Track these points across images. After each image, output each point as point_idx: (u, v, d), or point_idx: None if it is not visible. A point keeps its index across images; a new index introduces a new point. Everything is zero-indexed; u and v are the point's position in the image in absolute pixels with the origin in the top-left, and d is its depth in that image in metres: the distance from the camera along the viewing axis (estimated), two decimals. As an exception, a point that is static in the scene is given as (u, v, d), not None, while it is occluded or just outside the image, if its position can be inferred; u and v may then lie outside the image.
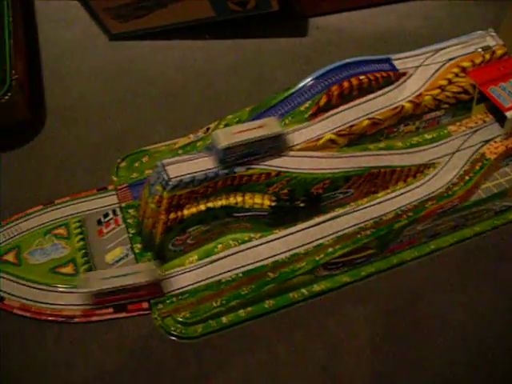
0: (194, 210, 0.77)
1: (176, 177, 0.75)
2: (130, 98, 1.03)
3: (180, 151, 0.89)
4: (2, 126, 0.94)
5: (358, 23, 1.15)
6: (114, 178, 0.90)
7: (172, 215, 0.77)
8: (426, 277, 0.85)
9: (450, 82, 0.88)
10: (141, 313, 0.78)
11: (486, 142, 0.88)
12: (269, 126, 0.77)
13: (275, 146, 0.78)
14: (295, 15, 1.15)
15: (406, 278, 0.84)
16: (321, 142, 0.81)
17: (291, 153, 0.80)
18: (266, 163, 0.78)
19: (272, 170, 0.78)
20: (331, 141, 0.81)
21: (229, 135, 0.75)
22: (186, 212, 0.77)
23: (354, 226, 0.82)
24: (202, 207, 0.78)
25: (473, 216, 0.87)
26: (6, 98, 0.92)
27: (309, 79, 0.85)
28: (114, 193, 0.88)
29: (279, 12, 1.09)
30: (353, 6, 1.17)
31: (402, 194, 0.85)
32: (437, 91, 0.87)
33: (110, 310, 0.78)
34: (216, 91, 1.03)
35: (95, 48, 1.10)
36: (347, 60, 0.86)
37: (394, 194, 0.84)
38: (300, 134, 0.81)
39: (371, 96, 0.85)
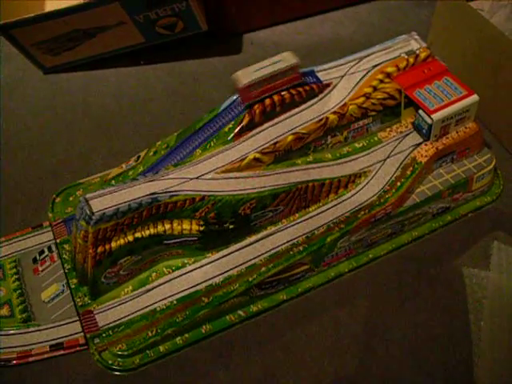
0: (121, 241, 0.77)
1: (99, 210, 0.75)
2: (66, 131, 1.02)
3: (113, 182, 0.88)
4: None
5: (293, 35, 1.15)
6: (50, 214, 0.89)
7: (100, 249, 0.77)
8: (365, 286, 0.84)
9: (375, 89, 0.88)
10: (78, 349, 0.78)
11: (417, 145, 0.87)
12: None
13: None
14: (228, 33, 1.15)
15: (346, 290, 0.84)
16: (245, 162, 0.81)
17: (216, 175, 0.80)
18: (190, 189, 0.78)
19: (196, 194, 0.77)
20: (256, 160, 0.81)
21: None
22: (113, 244, 0.77)
23: (287, 242, 0.81)
24: (130, 238, 0.77)
25: (409, 221, 0.87)
26: None
27: (232, 99, 0.84)
28: (49, 229, 0.88)
29: (212, 31, 1.09)
30: (286, 19, 1.17)
31: (333, 206, 0.84)
32: (362, 99, 0.87)
33: (47, 348, 0.77)
34: (152, 117, 1.03)
35: (30, 83, 1.10)
36: (269, 76, 0.86)
37: (325, 207, 0.84)
38: (224, 156, 0.81)
39: (295, 111, 0.84)
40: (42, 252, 0.86)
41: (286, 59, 0.79)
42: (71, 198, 0.91)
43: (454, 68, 0.92)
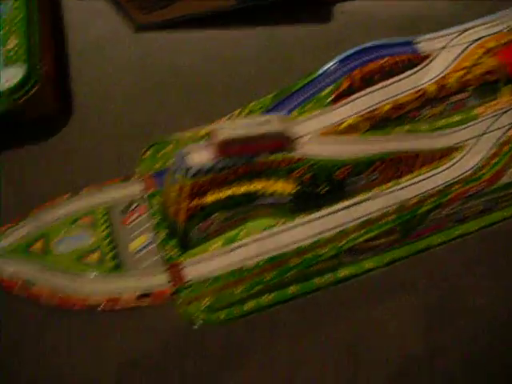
0: (215, 196, 0.78)
1: (196, 164, 0.75)
2: (156, 89, 1.03)
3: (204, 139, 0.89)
4: (29, 119, 0.96)
5: (385, 6, 1.13)
6: (139, 168, 0.90)
7: (194, 203, 0.77)
8: (452, 262, 0.83)
9: (476, 63, 0.86)
10: (164, 300, 0.79)
11: (514, 125, 0.86)
12: None
13: None
14: (319, 1, 1.14)
15: (433, 263, 0.83)
16: (342, 126, 0.80)
17: (313, 138, 0.80)
18: (288, 149, 0.78)
19: (293, 155, 0.77)
20: (353, 125, 0.81)
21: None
22: (207, 199, 0.78)
23: (378, 211, 0.81)
24: (224, 194, 0.78)
25: (502, 200, 0.86)
26: (34, 90, 0.93)
27: (330, 64, 0.85)
28: (138, 182, 0.89)
29: (303, -2, 1.08)
30: (379, -10, 1.15)
31: (427, 177, 0.83)
32: (462, 73, 0.85)
33: (134, 297, 0.79)
34: (241, 79, 1.03)
35: (121, 40, 1.10)
36: (368, 44, 0.86)
37: (418, 179, 0.83)
38: (322, 119, 0.81)
39: (394, 79, 0.84)
40: (131, 203, 0.87)
41: (274, 124, 0.77)
42: (160, 154, 0.92)
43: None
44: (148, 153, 0.92)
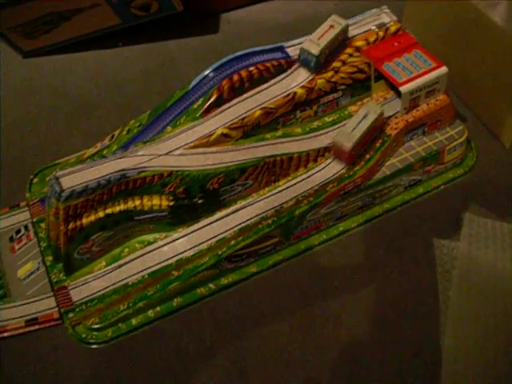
0: (92, 217, 0.79)
1: (68, 188, 0.76)
2: (46, 113, 1.04)
3: (88, 161, 0.89)
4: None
5: (271, 13, 1.15)
6: (27, 194, 0.91)
7: (71, 225, 0.78)
8: (336, 258, 0.85)
9: (344, 63, 0.88)
10: (52, 323, 0.80)
11: (388, 118, 0.88)
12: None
13: None
14: (205, 13, 1.16)
15: (317, 262, 0.85)
16: (213, 137, 0.82)
17: (184, 151, 0.81)
18: (158, 164, 0.79)
19: (164, 170, 0.79)
20: (224, 135, 0.82)
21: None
22: (84, 221, 0.78)
23: (256, 216, 0.82)
24: (101, 214, 0.79)
25: (380, 194, 0.88)
26: None
27: (202, 76, 0.86)
28: (26, 209, 0.89)
29: (189, 11, 1.10)
30: (263, -3, 1.17)
31: (303, 179, 0.85)
32: (330, 73, 0.87)
33: (22, 324, 0.79)
34: (130, 98, 1.04)
35: (10, 67, 1.11)
36: (238, 53, 0.87)
37: (294, 181, 0.85)
38: (193, 132, 0.82)
39: (263, 86, 0.85)
40: (18, 231, 0.87)
41: (373, 109, 0.83)
42: (48, 178, 0.93)
43: (430, 41, 0.93)
44: (36, 178, 0.93)
